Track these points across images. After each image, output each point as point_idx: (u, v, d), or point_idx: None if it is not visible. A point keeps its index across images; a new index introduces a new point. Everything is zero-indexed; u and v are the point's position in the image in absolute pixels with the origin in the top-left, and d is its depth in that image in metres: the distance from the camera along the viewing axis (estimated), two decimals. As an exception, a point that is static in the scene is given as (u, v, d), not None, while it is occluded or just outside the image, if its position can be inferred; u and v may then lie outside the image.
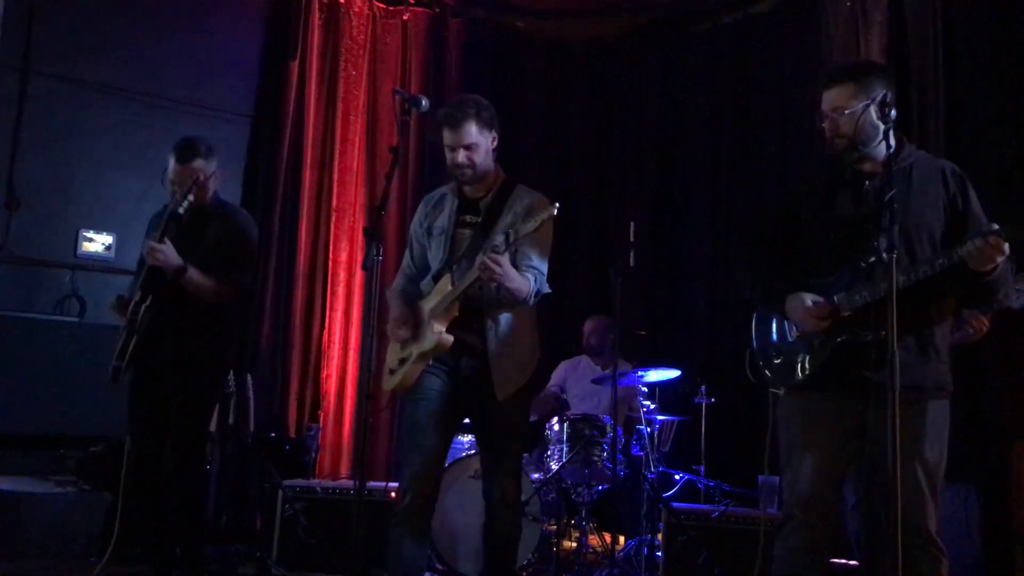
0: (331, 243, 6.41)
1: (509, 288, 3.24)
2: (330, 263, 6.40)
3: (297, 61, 6.42)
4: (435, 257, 3.49)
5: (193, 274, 3.84)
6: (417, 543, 3.35)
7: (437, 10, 6.86)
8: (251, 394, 5.39)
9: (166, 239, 3.79)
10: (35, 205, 5.71)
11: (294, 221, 6.33)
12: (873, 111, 2.84)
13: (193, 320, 3.92)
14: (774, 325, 3.05)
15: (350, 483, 5.13)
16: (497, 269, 3.10)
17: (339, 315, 6.38)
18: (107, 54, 5.98)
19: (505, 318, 3.39)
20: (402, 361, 3.41)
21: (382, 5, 6.74)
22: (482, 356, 3.36)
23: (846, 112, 2.85)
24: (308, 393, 6.30)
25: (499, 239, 3.16)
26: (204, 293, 3.90)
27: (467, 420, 3.70)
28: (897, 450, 2.43)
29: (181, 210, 3.84)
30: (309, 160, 6.42)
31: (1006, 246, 2.59)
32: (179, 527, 3.95)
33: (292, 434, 6.07)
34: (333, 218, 6.46)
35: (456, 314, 3.31)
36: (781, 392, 2.99)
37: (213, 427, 5.11)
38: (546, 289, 3.45)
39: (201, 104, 6.27)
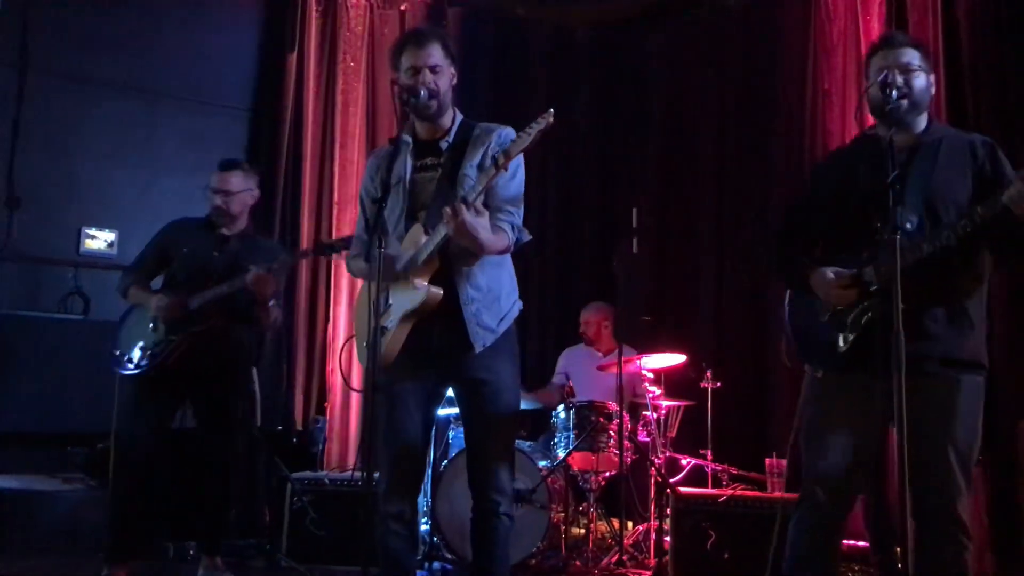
0: (333, 236, 6.40)
1: (482, 245, 2.88)
2: (333, 256, 6.39)
3: (295, 53, 6.41)
4: (392, 209, 3.08)
5: (274, 305, 4.26)
6: (404, 540, 3.04)
7: (434, -1, 6.84)
8: (257, 388, 5.40)
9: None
10: (36, 203, 5.72)
11: (296, 214, 6.33)
12: (930, 83, 2.93)
13: (237, 336, 4.30)
14: (807, 307, 3.01)
15: (358, 474, 5.13)
16: (468, 220, 2.77)
17: (343, 308, 6.37)
18: (104, 49, 5.97)
19: (478, 268, 3.04)
20: (382, 330, 2.93)
21: (379, -5, 6.73)
22: (455, 315, 2.99)
23: (919, 72, 2.89)
24: (314, 386, 6.31)
25: (467, 178, 2.95)
26: (270, 322, 4.31)
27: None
28: (904, 429, 2.41)
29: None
30: (309, 153, 6.41)
31: None
32: (213, 505, 4.29)
33: (299, 427, 6.08)
34: (335, 211, 6.45)
35: (438, 266, 2.97)
36: (819, 374, 2.96)
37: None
38: (526, 236, 3.13)
39: (200, 98, 6.27)
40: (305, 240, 6.33)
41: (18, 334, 5.39)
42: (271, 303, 4.23)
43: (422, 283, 2.96)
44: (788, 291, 3.15)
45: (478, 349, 3.02)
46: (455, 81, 3.16)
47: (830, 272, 2.86)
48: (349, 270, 3.46)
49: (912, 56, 2.90)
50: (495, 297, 3.10)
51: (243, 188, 4.33)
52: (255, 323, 4.31)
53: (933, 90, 2.96)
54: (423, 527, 4.82)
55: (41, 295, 5.74)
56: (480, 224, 2.83)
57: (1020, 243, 2.73)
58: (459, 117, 3.20)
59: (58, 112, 5.83)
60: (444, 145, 3.13)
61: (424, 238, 2.97)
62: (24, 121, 5.70)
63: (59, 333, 5.52)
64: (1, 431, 5.25)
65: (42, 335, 5.46)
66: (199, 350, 4.13)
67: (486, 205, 2.97)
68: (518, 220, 3.08)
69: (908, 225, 2.72)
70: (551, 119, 2.77)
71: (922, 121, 2.93)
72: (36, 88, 5.74)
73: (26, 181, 5.68)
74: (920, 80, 2.88)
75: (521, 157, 3.08)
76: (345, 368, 5.99)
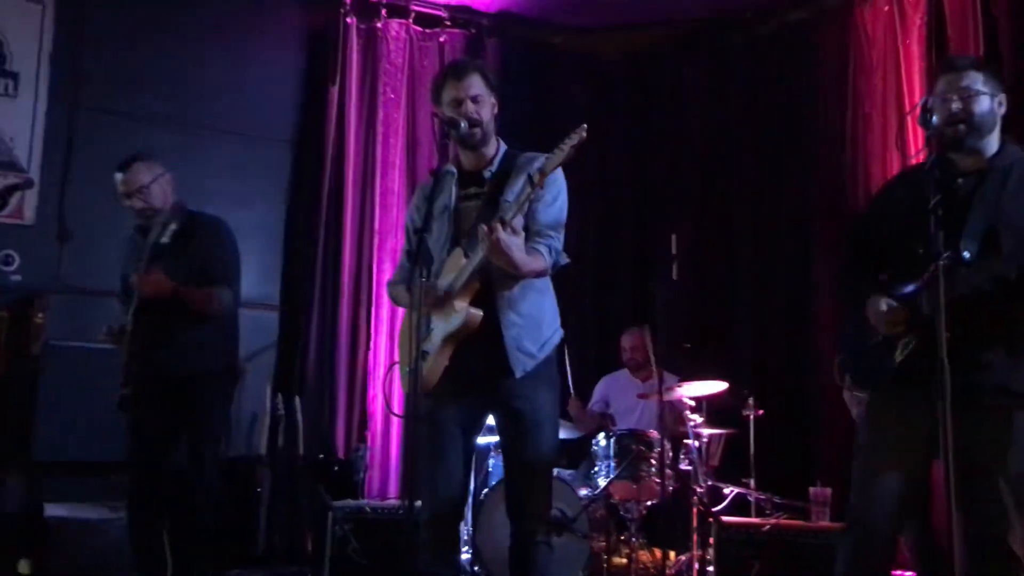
0: (375, 265, 6.46)
1: (516, 264, 2.91)
2: (374, 285, 6.44)
3: (336, 86, 6.50)
4: (438, 238, 3.15)
5: (185, 292, 3.90)
6: (446, 568, 3.08)
7: (473, 31, 6.90)
8: (299, 416, 5.44)
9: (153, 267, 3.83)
10: (86, 235, 5.82)
11: (338, 244, 6.39)
12: (996, 104, 2.85)
13: (195, 334, 3.99)
14: (860, 328, 2.97)
15: (399, 502, 5.15)
16: (503, 238, 2.80)
17: (384, 336, 6.41)
18: (151, 85, 6.08)
19: (520, 293, 3.08)
20: (424, 355, 2.98)
21: (419, 29, 6.80)
22: (496, 340, 3.02)
23: (980, 96, 2.81)
24: (355, 414, 6.34)
25: (507, 203, 2.95)
26: (203, 305, 3.97)
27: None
28: (951, 456, 2.38)
29: (165, 239, 3.86)
30: (351, 183, 6.48)
31: None
32: (181, 541, 4.04)
33: (341, 455, 6.10)
34: (376, 240, 6.51)
35: (478, 287, 3.00)
36: (866, 396, 2.97)
37: (263, 450, 5.18)
38: (564, 260, 3.16)
39: (244, 131, 6.35)
40: (347, 271, 6.37)
41: (69, 365, 5.46)
42: (188, 292, 3.90)
43: (462, 305, 2.99)
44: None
45: (519, 374, 3.04)
46: (496, 110, 3.21)
47: (883, 304, 2.82)
48: (391, 296, 3.50)
49: (973, 79, 2.83)
50: (536, 323, 3.12)
51: (154, 176, 4.10)
52: (195, 317, 3.96)
53: (1003, 110, 2.87)
54: (464, 556, 4.82)
55: (90, 326, 5.81)
56: (515, 243, 2.87)
57: None
58: (503, 147, 3.25)
59: (106, 146, 5.93)
60: (488, 174, 3.18)
61: (464, 261, 3.01)
62: (75, 155, 5.83)
63: (108, 363, 5.59)
64: (50, 459, 5.33)
65: (92, 366, 5.52)
66: (151, 370, 3.94)
67: (526, 228, 3.01)
68: (557, 244, 3.11)
69: (966, 254, 2.67)
70: (584, 134, 2.81)
71: (991, 144, 2.85)
72: (85, 123, 5.87)
73: (76, 214, 5.79)
74: (983, 104, 2.81)
75: (564, 183, 3.13)
76: (387, 395, 6.02)
